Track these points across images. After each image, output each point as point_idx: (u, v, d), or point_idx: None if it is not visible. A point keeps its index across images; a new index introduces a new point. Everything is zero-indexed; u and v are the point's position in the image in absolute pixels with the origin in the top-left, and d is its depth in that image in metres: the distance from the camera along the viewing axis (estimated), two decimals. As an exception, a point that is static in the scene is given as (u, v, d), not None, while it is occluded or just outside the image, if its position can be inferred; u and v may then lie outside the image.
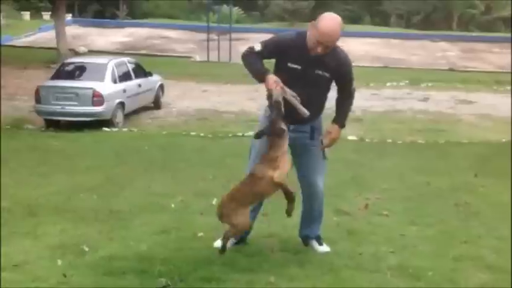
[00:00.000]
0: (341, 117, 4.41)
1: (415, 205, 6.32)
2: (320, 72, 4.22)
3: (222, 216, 4.17)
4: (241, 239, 4.66)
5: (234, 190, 4.18)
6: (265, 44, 4.24)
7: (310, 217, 4.64)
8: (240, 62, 4.36)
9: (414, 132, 12.48)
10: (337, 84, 4.38)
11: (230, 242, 4.43)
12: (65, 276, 4.14)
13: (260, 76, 4.15)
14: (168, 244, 4.86)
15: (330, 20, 4.12)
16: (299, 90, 4.11)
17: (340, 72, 4.30)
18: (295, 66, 4.19)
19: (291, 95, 4.10)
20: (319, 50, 4.12)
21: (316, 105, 4.32)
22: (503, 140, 11.50)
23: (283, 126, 4.03)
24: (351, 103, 4.47)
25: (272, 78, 4.08)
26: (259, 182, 4.05)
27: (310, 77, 4.21)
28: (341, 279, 4.12)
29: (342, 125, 4.41)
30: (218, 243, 4.48)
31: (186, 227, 5.15)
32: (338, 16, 4.18)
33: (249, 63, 4.23)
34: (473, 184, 7.40)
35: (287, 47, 4.22)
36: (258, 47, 4.21)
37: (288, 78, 4.12)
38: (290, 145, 4.19)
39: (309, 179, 4.51)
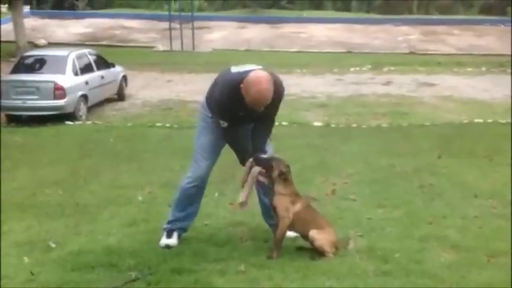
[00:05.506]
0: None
1: (380, 188, 6.39)
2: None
3: None
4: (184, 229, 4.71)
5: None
6: (222, 115, 4.31)
7: (268, 207, 4.63)
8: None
9: (378, 116, 12.61)
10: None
11: (176, 237, 4.59)
12: (32, 273, 4.10)
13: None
14: (137, 236, 4.84)
15: (257, 91, 4.08)
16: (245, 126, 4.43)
17: (274, 104, 4.34)
18: (240, 113, 4.28)
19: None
20: (259, 109, 4.19)
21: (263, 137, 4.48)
22: (465, 120, 11.72)
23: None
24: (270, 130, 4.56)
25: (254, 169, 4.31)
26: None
27: (253, 117, 4.34)
28: (311, 264, 4.16)
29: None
30: (164, 241, 4.55)
31: (155, 219, 5.12)
32: (264, 76, 4.13)
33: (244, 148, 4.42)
34: (437, 165, 7.53)
35: (231, 107, 4.25)
36: (224, 124, 4.32)
37: (232, 120, 4.30)
38: None
39: None
